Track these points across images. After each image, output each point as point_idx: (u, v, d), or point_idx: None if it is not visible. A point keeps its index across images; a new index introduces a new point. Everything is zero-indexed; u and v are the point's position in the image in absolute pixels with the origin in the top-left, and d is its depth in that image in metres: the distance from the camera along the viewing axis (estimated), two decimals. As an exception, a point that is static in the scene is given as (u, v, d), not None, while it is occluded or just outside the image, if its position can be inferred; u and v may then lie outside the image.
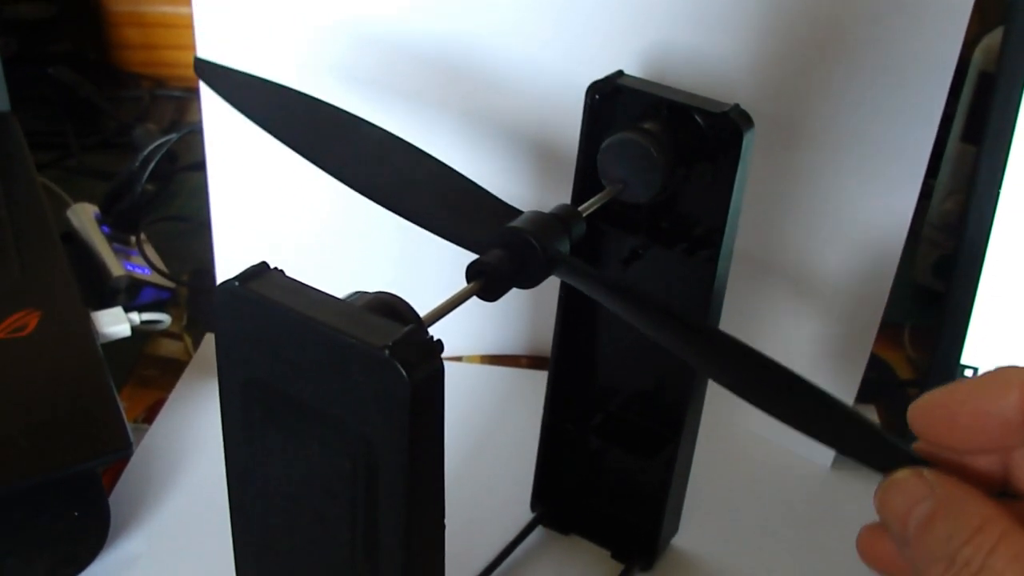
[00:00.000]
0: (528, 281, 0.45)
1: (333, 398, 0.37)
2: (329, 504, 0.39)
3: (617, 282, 0.46)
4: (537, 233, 0.45)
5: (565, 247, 0.47)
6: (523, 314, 0.82)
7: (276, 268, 0.38)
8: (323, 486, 0.39)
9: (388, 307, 0.38)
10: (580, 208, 0.49)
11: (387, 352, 0.34)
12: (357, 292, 0.39)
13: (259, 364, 0.38)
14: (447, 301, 0.41)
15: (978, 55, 0.85)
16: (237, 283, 0.37)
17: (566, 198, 0.57)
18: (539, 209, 0.48)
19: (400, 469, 0.36)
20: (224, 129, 0.72)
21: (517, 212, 0.47)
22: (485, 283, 0.44)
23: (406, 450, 0.36)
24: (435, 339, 0.36)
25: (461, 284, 0.44)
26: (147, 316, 0.75)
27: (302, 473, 0.39)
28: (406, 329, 0.35)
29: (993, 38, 0.84)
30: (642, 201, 0.53)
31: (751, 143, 0.53)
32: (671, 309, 0.43)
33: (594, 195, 0.52)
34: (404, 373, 0.34)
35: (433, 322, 0.40)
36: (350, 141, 0.51)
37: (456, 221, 0.48)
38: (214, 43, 0.69)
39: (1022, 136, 0.70)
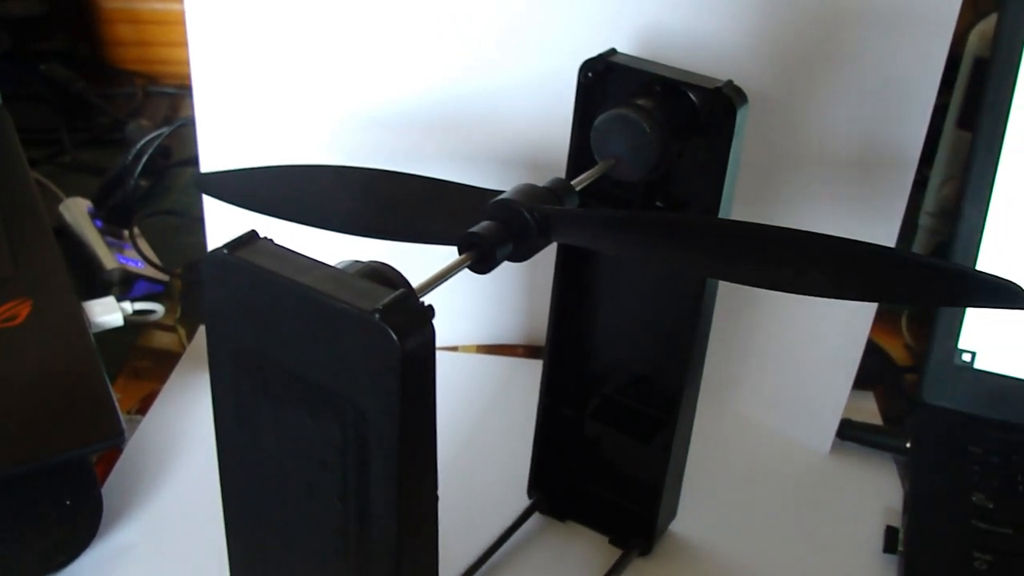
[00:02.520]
0: (523, 252, 0.45)
1: (323, 366, 0.36)
2: (320, 475, 0.39)
3: (621, 213, 0.45)
4: (528, 204, 0.45)
5: (557, 219, 0.46)
6: (519, 304, 0.82)
7: (265, 236, 0.38)
8: (314, 457, 0.38)
9: (379, 275, 0.38)
10: (573, 182, 0.49)
11: (377, 316, 0.34)
12: (347, 261, 0.39)
13: (248, 333, 0.38)
14: (439, 272, 0.41)
15: (973, 41, 0.85)
16: (226, 251, 0.37)
17: (561, 171, 0.57)
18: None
19: (391, 438, 0.36)
20: (216, 123, 0.72)
21: (501, 193, 0.47)
22: (477, 255, 0.43)
23: (397, 418, 0.35)
24: (427, 304, 0.36)
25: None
26: (140, 305, 0.75)
27: (293, 444, 0.39)
28: (396, 293, 0.35)
29: (987, 24, 0.84)
30: (636, 178, 0.53)
31: (745, 119, 0.52)
32: (684, 216, 0.42)
33: (587, 171, 0.52)
34: (395, 337, 0.34)
35: (425, 292, 0.39)
36: (338, 192, 0.51)
37: (447, 221, 0.47)
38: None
39: (1016, 121, 0.70)
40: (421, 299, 0.37)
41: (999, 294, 0.39)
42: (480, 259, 0.43)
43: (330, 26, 0.69)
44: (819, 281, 0.42)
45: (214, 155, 0.73)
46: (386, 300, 0.34)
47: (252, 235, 0.38)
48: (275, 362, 0.38)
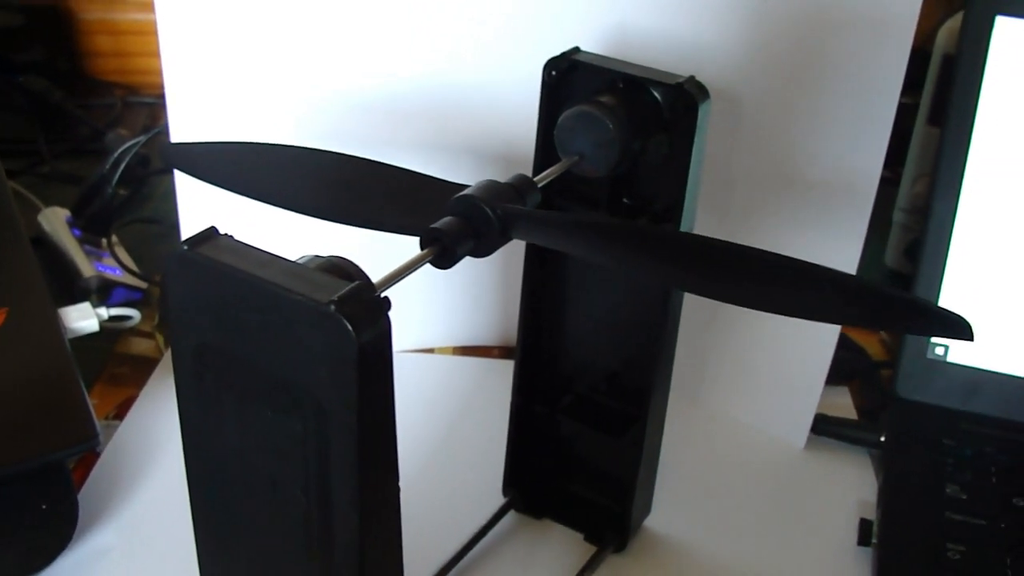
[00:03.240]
0: (484, 247, 0.45)
1: (283, 359, 0.37)
2: (282, 468, 0.39)
3: (579, 218, 0.45)
4: (490, 200, 0.45)
5: (521, 215, 0.47)
6: (494, 305, 0.82)
7: (225, 233, 0.38)
8: (275, 450, 0.39)
9: (337, 269, 0.38)
10: (536, 178, 0.49)
11: (333, 307, 0.34)
12: (308, 255, 0.39)
13: (210, 328, 0.38)
14: (400, 267, 0.41)
15: (941, 38, 0.86)
16: (186, 247, 0.37)
17: (528, 168, 0.57)
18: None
19: (350, 428, 0.36)
20: (190, 132, 0.72)
21: (466, 187, 0.47)
22: (439, 249, 0.44)
23: (355, 409, 0.36)
24: (383, 296, 0.36)
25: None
26: (116, 311, 0.75)
27: (255, 438, 0.39)
28: (352, 285, 0.35)
29: (956, 21, 0.85)
30: (600, 174, 0.53)
31: (707, 114, 0.53)
32: (641, 225, 0.42)
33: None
34: (350, 328, 0.34)
35: (386, 287, 0.40)
36: (306, 173, 0.51)
37: (412, 212, 0.47)
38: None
39: (983, 118, 0.71)
40: (382, 292, 0.37)
41: (951, 327, 0.40)
42: (441, 254, 0.44)
43: (306, 9, 0.69)
44: (777, 302, 0.42)
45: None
46: (342, 292, 0.35)
47: (212, 231, 0.38)
48: (236, 357, 0.38)
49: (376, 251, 0.47)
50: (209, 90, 0.71)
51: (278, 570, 0.42)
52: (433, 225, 0.44)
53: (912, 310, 0.42)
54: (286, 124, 0.72)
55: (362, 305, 0.35)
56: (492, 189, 0.46)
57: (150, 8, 1.15)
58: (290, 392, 0.37)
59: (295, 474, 0.39)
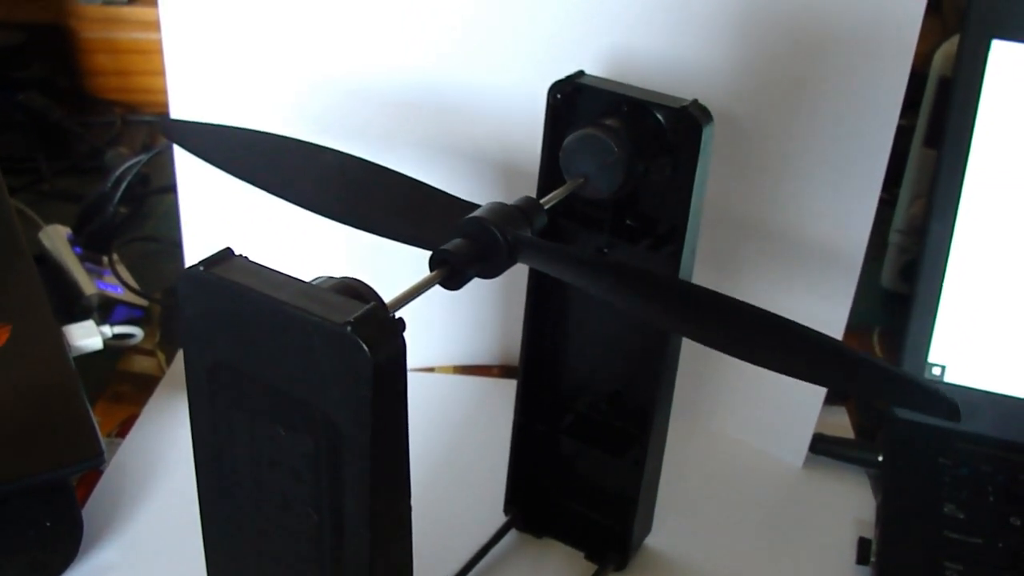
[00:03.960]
0: (491, 270, 0.46)
1: (297, 379, 0.37)
2: (294, 486, 0.39)
3: (584, 255, 0.46)
4: (498, 222, 0.46)
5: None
6: (494, 325, 0.83)
7: (240, 254, 0.39)
8: (288, 468, 0.39)
9: (351, 290, 0.39)
10: (542, 200, 0.50)
11: (349, 328, 0.35)
12: (322, 277, 0.40)
13: (224, 348, 0.39)
14: (410, 288, 0.42)
15: (938, 61, 0.87)
16: (202, 268, 0.38)
17: (532, 190, 0.58)
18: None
19: (363, 448, 0.37)
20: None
21: (476, 207, 0.48)
22: (448, 271, 0.44)
23: (369, 428, 0.36)
24: (398, 318, 0.37)
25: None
26: (119, 329, 0.76)
27: (268, 456, 0.40)
28: (367, 307, 0.36)
29: (952, 44, 0.86)
30: (604, 196, 0.54)
31: (710, 137, 0.54)
32: (645, 269, 0.43)
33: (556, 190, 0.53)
34: (366, 349, 0.35)
35: (397, 308, 0.40)
36: (312, 170, 0.52)
37: (417, 225, 0.48)
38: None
39: (979, 140, 0.72)
40: (395, 313, 0.38)
41: (936, 405, 0.41)
42: (450, 276, 0.44)
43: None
44: (767, 359, 0.43)
45: (191, 179, 0.74)
46: (357, 313, 0.35)
47: (227, 252, 0.39)
48: (250, 376, 0.38)
49: (378, 269, 0.47)
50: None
51: (289, 587, 0.43)
52: (443, 247, 0.44)
53: (909, 384, 0.43)
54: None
55: (377, 326, 0.35)
56: (500, 212, 0.46)
57: (151, 28, 1.17)
58: (303, 411, 0.38)
59: (307, 492, 0.39)
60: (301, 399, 0.37)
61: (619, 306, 0.45)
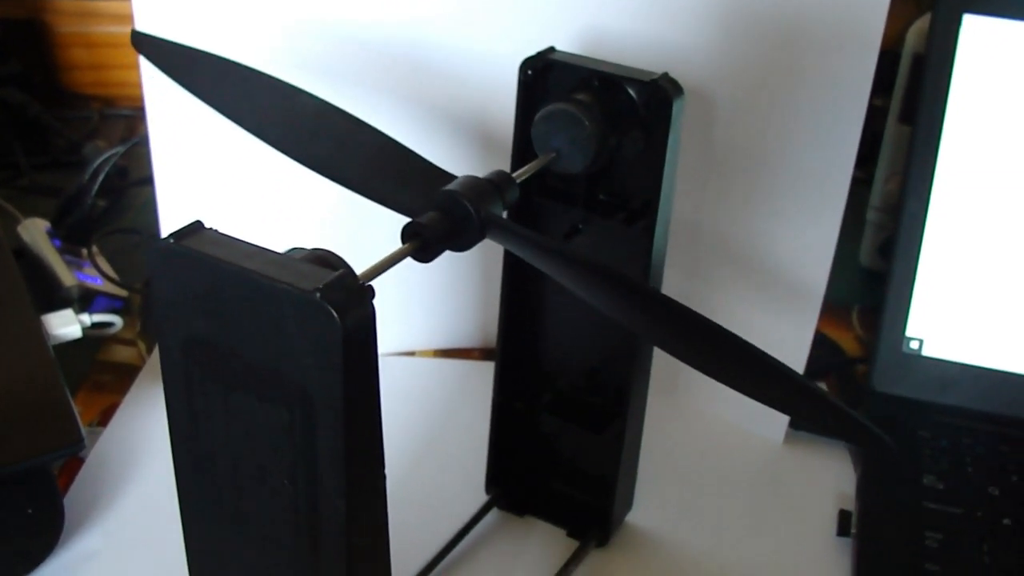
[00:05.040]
0: (462, 243, 0.46)
1: (269, 349, 0.37)
2: (270, 457, 0.40)
3: (548, 242, 0.47)
4: (471, 196, 0.46)
5: (499, 211, 0.48)
6: (474, 308, 0.83)
7: (210, 227, 0.39)
8: (264, 440, 0.39)
9: (321, 260, 0.39)
10: (514, 175, 0.50)
11: (318, 295, 0.35)
12: (295, 248, 0.40)
13: (196, 321, 0.39)
14: (383, 259, 0.42)
15: (911, 37, 0.87)
16: (172, 240, 0.38)
17: (507, 164, 0.58)
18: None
19: (336, 416, 0.37)
20: (170, 139, 0.73)
21: (451, 177, 0.48)
22: (420, 244, 0.44)
23: (341, 396, 0.36)
24: (367, 285, 0.37)
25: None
26: (98, 318, 0.76)
27: (243, 429, 0.40)
28: (336, 274, 0.36)
29: (924, 21, 0.86)
30: (577, 170, 0.54)
31: (681, 110, 0.54)
32: (603, 266, 0.44)
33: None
34: (335, 315, 0.35)
35: (370, 279, 0.40)
36: (288, 111, 0.52)
37: (392, 187, 0.49)
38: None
39: (952, 116, 0.72)
40: (365, 283, 0.38)
41: (882, 448, 0.44)
42: (422, 248, 0.45)
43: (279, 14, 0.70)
44: (728, 379, 0.44)
45: (168, 169, 0.74)
46: (327, 280, 0.35)
47: (197, 225, 0.39)
48: (223, 348, 0.39)
49: (356, 251, 0.47)
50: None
51: (267, 559, 0.43)
52: (416, 219, 0.45)
53: (859, 427, 0.44)
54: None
55: (346, 292, 0.36)
56: (474, 186, 0.46)
57: (126, 21, 1.17)
58: (277, 381, 0.38)
59: (283, 463, 0.39)
60: (274, 369, 0.38)
61: (579, 295, 0.46)
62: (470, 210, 0.45)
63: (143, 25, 0.69)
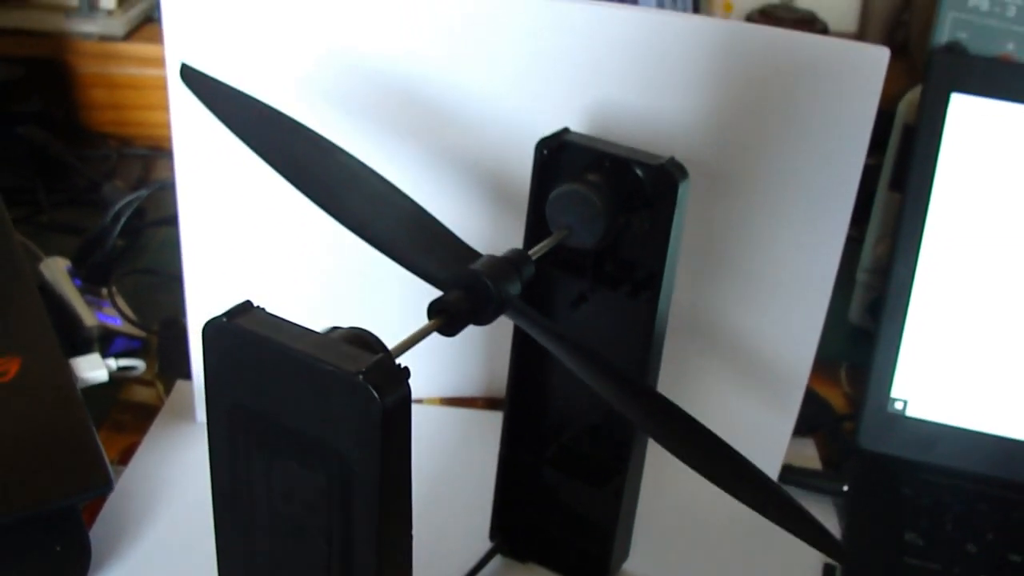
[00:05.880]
0: (482, 319, 0.50)
1: (312, 420, 0.41)
2: (308, 517, 0.43)
3: (556, 328, 0.50)
4: (493, 275, 0.50)
5: (516, 287, 0.52)
6: (479, 358, 0.86)
7: (258, 306, 0.43)
8: (302, 501, 0.43)
9: (360, 340, 0.43)
10: (530, 252, 0.54)
11: (361, 377, 0.39)
12: (332, 327, 0.44)
13: (243, 391, 0.42)
14: (411, 336, 0.46)
15: (902, 108, 0.91)
16: (224, 319, 0.42)
17: (517, 232, 0.62)
18: (491, 246, 0.54)
19: (372, 483, 0.41)
20: (196, 182, 0.75)
21: (475, 253, 0.52)
22: (446, 320, 0.48)
23: (378, 465, 0.40)
24: (403, 366, 0.41)
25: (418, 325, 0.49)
26: (124, 362, 0.79)
27: (283, 489, 0.43)
28: (377, 357, 0.40)
29: (916, 92, 0.90)
30: (587, 246, 0.58)
31: (686, 192, 0.58)
32: (601, 358, 0.48)
33: (543, 240, 0.57)
34: (376, 396, 0.39)
35: (400, 353, 0.44)
36: (326, 166, 0.55)
37: (419, 253, 0.52)
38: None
39: (941, 185, 0.76)
40: (399, 360, 0.42)
41: (831, 547, 0.50)
42: (448, 324, 0.48)
43: (319, 59, 0.72)
44: (707, 475, 0.50)
45: (193, 211, 0.76)
46: (369, 363, 0.39)
47: (247, 304, 0.43)
48: (268, 417, 0.42)
49: (368, 301, 0.50)
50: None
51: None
52: (442, 297, 0.49)
53: (819, 530, 0.49)
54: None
55: (386, 374, 0.39)
56: (495, 266, 0.50)
57: (146, 63, 1.21)
58: (317, 450, 0.41)
59: (319, 523, 0.43)
60: (315, 438, 0.41)
61: (579, 376, 0.50)
62: (492, 291, 0.49)
63: (172, 50, 0.70)
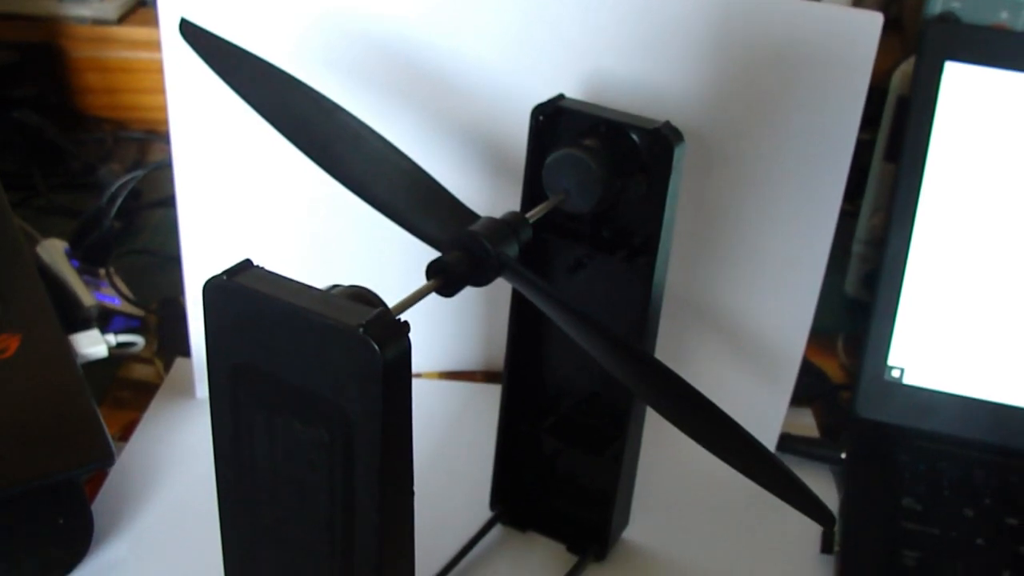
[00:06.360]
0: (480, 281, 0.51)
1: (313, 376, 0.41)
2: (310, 473, 0.43)
3: (553, 291, 0.50)
4: (491, 237, 0.50)
5: (514, 250, 0.52)
6: (477, 332, 0.87)
7: (258, 264, 0.43)
8: (304, 457, 0.43)
9: (360, 296, 0.43)
10: (527, 215, 0.54)
11: (362, 330, 0.39)
12: (334, 285, 0.44)
13: (244, 350, 0.43)
14: (411, 295, 0.46)
15: (896, 80, 0.91)
16: (225, 277, 0.42)
17: (512, 197, 0.62)
18: (487, 211, 0.54)
19: (374, 437, 0.41)
20: (193, 159, 0.75)
21: (474, 215, 0.52)
22: (444, 280, 0.49)
23: (379, 419, 0.40)
24: (403, 320, 0.41)
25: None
26: (122, 338, 0.80)
27: (285, 447, 0.44)
28: (377, 311, 0.40)
29: (909, 65, 0.90)
30: (584, 211, 0.58)
31: (682, 156, 0.58)
32: (597, 322, 0.48)
33: (540, 204, 0.57)
34: (377, 348, 0.39)
35: (400, 312, 0.44)
36: (327, 125, 0.55)
37: (419, 215, 0.53)
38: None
39: (935, 156, 0.76)
40: (399, 317, 0.42)
41: (821, 514, 0.50)
42: (446, 284, 0.49)
43: (319, 21, 0.72)
44: (701, 441, 0.50)
45: (191, 190, 0.76)
46: (369, 317, 0.39)
47: (247, 263, 0.43)
48: (269, 375, 0.43)
49: (368, 271, 0.51)
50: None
51: (302, 567, 0.47)
52: (440, 257, 0.49)
53: (805, 494, 0.49)
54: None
55: (386, 328, 0.40)
56: (492, 227, 0.51)
57: (139, 47, 1.21)
58: (319, 406, 0.42)
59: (322, 480, 0.43)
60: (317, 395, 0.42)
61: (576, 340, 0.50)
62: (490, 252, 0.50)
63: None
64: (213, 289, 0.42)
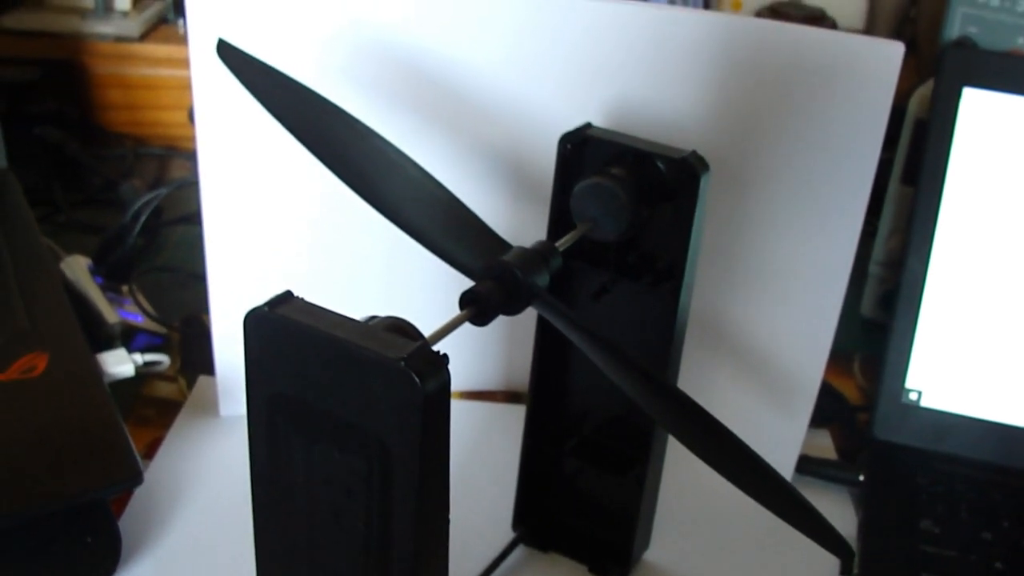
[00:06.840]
0: (512, 310, 0.51)
1: (352, 407, 0.42)
2: (346, 502, 0.44)
3: (580, 321, 0.51)
4: (523, 267, 0.51)
5: (545, 279, 0.53)
6: (499, 353, 0.87)
7: (298, 296, 0.44)
8: (341, 486, 0.44)
9: (398, 328, 0.44)
10: (556, 244, 0.55)
11: (403, 363, 0.40)
12: (371, 316, 0.45)
13: (284, 380, 0.44)
14: (445, 324, 0.47)
15: (913, 104, 0.92)
16: (266, 308, 0.43)
17: (535, 223, 0.63)
18: (510, 234, 0.55)
19: (412, 468, 0.42)
20: (220, 178, 0.76)
21: (506, 244, 0.53)
22: (477, 310, 0.49)
23: (418, 451, 0.41)
24: (442, 353, 0.42)
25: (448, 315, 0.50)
26: (149, 357, 0.80)
27: (322, 475, 0.44)
28: (417, 344, 0.41)
29: (927, 87, 0.91)
30: (611, 239, 0.59)
31: (707, 185, 0.59)
32: (623, 354, 0.49)
33: (567, 232, 0.58)
34: (418, 381, 0.40)
35: (435, 342, 0.45)
36: (362, 150, 0.55)
37: (451, 242, 0.54)
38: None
39: (953, 179, 0.77)
40: (436, 348, 0.43)
41: (837, 546, 0.51)
42: (480, 314, 0.50)
43: (340, 37, 0.72)
44: (721, 470, 0.51)
45: (217, 208, 0.76)
46: (410, 350, 0.40)
47: (288, 295, 0.44)
48: (308, 404, 0.43)
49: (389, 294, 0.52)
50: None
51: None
52: (474, 287, 0.50)
53: (828, 531, 0.51)
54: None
55: (427, 361, 0.40)
56: (525, 258, 0.52)
57: (160, 64, 1.22)
58: (357, 435, 0.43)
59: (358, 507, 0.44)
60: (356, 424, 0.42)
61: (603, 370, 0.51)
62: (520, 280, 0.51)
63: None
64: (255, 320, 0.43)
